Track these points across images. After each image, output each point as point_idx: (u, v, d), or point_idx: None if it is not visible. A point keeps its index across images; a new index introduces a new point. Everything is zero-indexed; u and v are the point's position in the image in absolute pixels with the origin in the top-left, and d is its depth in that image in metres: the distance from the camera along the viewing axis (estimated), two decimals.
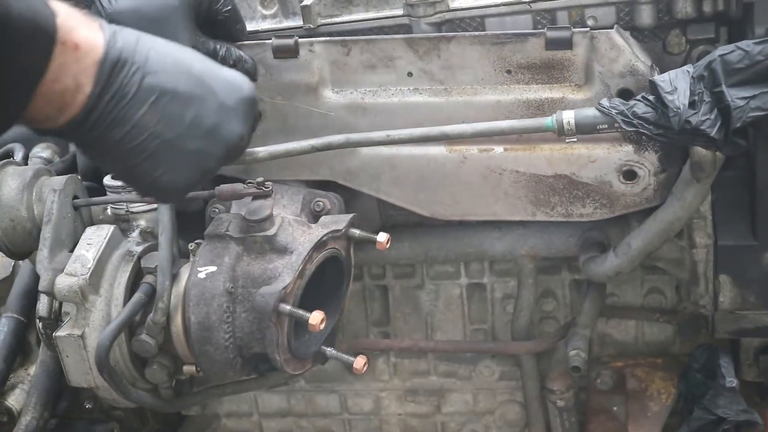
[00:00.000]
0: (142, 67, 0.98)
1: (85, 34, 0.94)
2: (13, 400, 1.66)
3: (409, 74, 1.44)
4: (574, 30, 1.36)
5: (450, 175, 1.48)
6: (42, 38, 0.88)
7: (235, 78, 1.12)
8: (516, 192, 1.47)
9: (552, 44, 1.37)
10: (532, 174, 1.45)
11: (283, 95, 1.48)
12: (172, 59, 1.03)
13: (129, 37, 0.99)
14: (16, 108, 0.89)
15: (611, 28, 1.37)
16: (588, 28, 1.37)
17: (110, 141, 0.99)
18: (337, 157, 1.49)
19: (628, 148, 1.40)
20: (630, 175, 1.42)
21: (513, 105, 1.42)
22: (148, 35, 1.03)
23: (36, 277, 1.68)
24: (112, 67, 0.96)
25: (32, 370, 1.69)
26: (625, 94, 1.37)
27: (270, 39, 1.46)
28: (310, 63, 1.46)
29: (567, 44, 1.36)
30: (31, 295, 1.68)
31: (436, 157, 1.47)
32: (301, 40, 1.45)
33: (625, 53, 1.35)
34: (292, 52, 1.45)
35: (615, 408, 1.70)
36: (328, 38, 1.46)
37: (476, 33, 1.42)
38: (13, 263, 1.75)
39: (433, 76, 1.44)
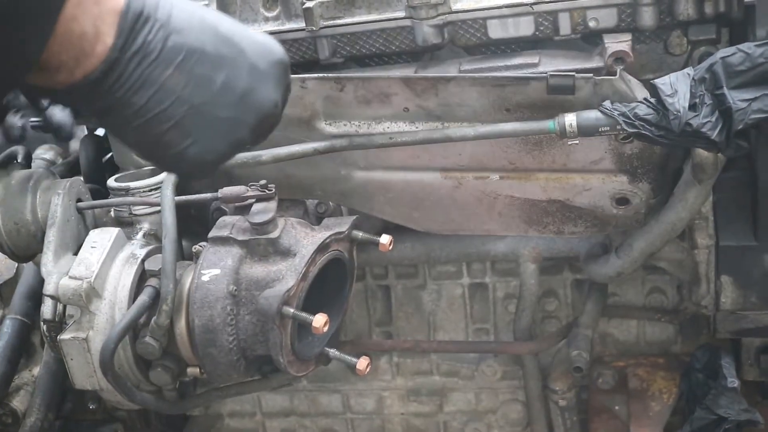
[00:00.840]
0: (165, 25, 0.90)
1: None
2: (18, 402, 1.67)
3: (406, 109, 1.41)
4: (576, 76, 1.31)
5: (445, 198, 1.48)
6: None
7: (267, 40, 1.01)
8: (510, 212, 1.48)
9: (554, 90, 1.33)
10: (526, 199, 1.47)
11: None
12: (197, 18, 0.94)
13: None
14: (37, 44, 0.81)
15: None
16: (590, 75, 1.31)
17: (132, 106, 0.89)
18: (329, 181, 1.49)
19: (623, 179, 1.40)
20: (623, 201, 1.43)
21: (511, 140, 1.40)
22: None
23: (39, 279, 1.69)
24: (134, 20, 0.87)
25: (36, 371, 1.70)
26: (624, 135, 1.34)
27: None
28: (302, 98, 1.42)
29: (569, 90, 1.32)
30: (35, 297, 1.69)
31: (432, 182, 1.47)
32: (293, 76, 1.42)
33: (628, 99, 1.30)
34: None
35: (617, 407, 1.71)
36: (321, 75, 1.42)
37: (476, 75, 1.38)
38: (16, 265, 1.76)
39: (431, 112, 1.40)
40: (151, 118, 0.91)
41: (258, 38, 0.99)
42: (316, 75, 1.42)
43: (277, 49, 1.00)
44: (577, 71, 1.31)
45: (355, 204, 1.52)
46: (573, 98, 1.33)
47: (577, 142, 1.34)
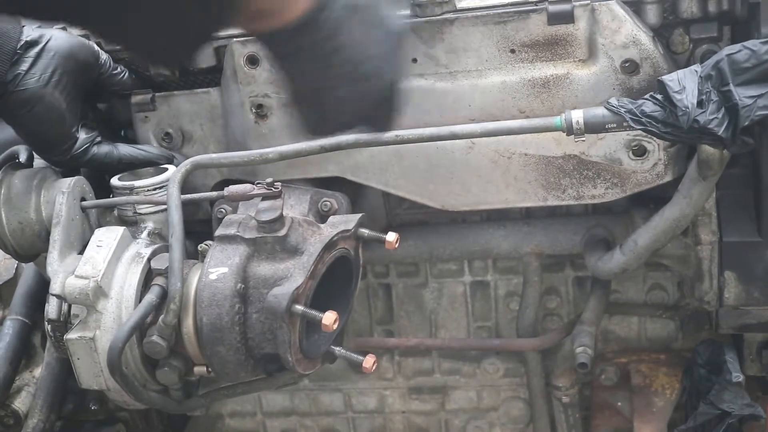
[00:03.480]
0: None
1: None
2: (20, 403, 1.66)
3: (414, 60, 1.44)
4: (575, 3, 1.36)
5: (459, 163, 1.47)
6: None
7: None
8: (526, 176, 1.47)
9: (554, 18, 1.37)
10: (541, 156, 1.45)
11: None
12: None
13: None
14: None
15: None
16: (588, 1, 1.37)
17: (320, 53, 0.97)
18: (345, 152, 1.48)
19: None
20: (640, 151, 1.42)
21: (518, 84, 1.42)
22: None
23: (39, 280, 1.68)
24: None
25: (37, 372, 1.69)
26: (629, 66, 1.38)
27: None
28: None
29: (569, 17, 1.37)
30: (35, 297, 1.68)
31: (444, 144, 1.46)
32: None
33: (627, 23, 1.36)
34: None
35: (620, 403, 1.72)
36: None
37: (478, 13, 1.41)
38: (16, 265, 1.74)
39: (438, 61, 1.44)
40: (323, 70, 0.99)
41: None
42: None
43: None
44: None
45: (370, 178, 1.52)
46: (574, 30, 1.37)
47: (584, 139, 1.35)
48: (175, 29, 0.84)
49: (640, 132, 1.39)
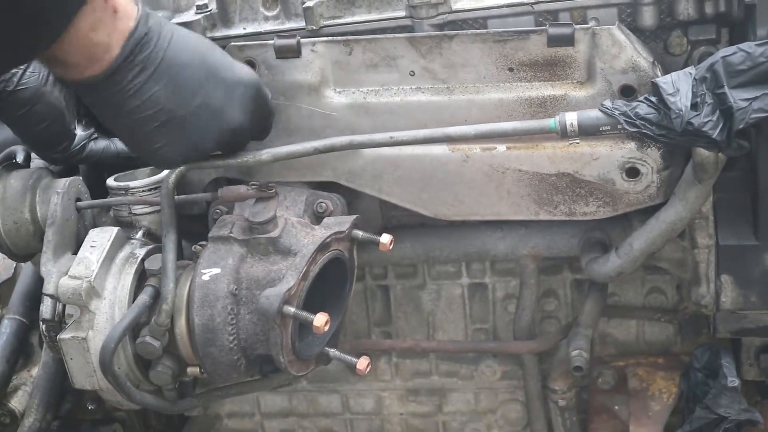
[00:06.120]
0: (164, 49, 1.13)
1: (124, 3, 1.08)
2: (16, 402, 1.67)
3: (412, 73, 1.44)
4: (575, 27, 1.36)
5: (453, 175, 1.48)
6: None
7: (245, 73, 1.27)
8: (519, 191, 1.47)
9: (554, 41, 1.37)
10: (534, 173, 1.45)
11: (285, 96, 1.48)
12: (192, 46, 1.18)
13: (157, 20, 1.14)
14: (53, 31, 0.99)
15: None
16: (589, 25, 1.37)
17: (124, 108, 1.13)
18: (340, 158, 1.49)
19: (631, 146, 1.40)
20: (633, 172, 1.42)
21: (515, 103, 1.42)
22: (174, 24, 1.19)
23: (37, 279, 1.69)
24: (138, 41, 1.10)
25: (35, 371, 1.70)
26: (627, 91, 1.37)
27: (272, 39, 1.46)
28: (313, 63, 1.46)
29: (569, 41, 1.36)
30: (33, 296, 1.69)
31: (439, 156, 1.47)
32: (303, 40, 1.45)
33: (627, 50, 1.35)
34: (294, 52, 1.46)
35: (617, 407, 1.71)
36: (330, 38, 1.46)
37: (478, 31, 1.42)
38: (14, 265, 1.75)
39: (436, 75, 1.44)
40: (137, 120, 1.15)
41: (237, 69, 1.26)
42: (325, 38, 1.45)
43: (253, 82, 1.28)
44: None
45: (364, 185, 1.52)
46: (574, 53, 1.37)
47: (578, 141, 1.35)
48: None
49: (634, 154, 1.39)
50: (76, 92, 1.19)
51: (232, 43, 1.48)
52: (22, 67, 1.40)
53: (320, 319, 1.26)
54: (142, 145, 1.20)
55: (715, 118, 1.21)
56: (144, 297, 1.35)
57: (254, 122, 1.30)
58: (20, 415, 1.65)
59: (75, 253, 1.41)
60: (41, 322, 1.41)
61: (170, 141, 1.19)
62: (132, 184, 1.48)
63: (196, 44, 1.20)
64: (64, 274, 1.35)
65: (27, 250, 1.51)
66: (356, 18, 1.49)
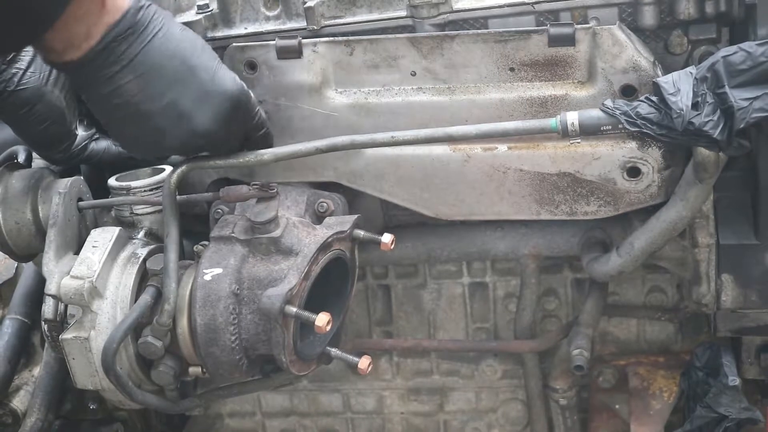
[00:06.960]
0: (144, 44, 1.14)
1: None
2: (18, 402, 1.67)
3: (413, 73, 1.45)
4: (576, 26, 1.36)
5: (454, 175, 1.48)
6: None
7: (227, 81, 1.24)
8: (520, 191, 1.47)
9: (555, 41, 1.37)
10: (536, 172, 1.45)
11: (287, 96, 1.49)
12: (175, 43, 1.18)
13: (149, 15, 1.15)
14: (46, 19, 1.04)
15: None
16: (590, 25, 1.37)
17: (97, 92, 1.17)
18: (342, 159, 1.49)
19: (632, 145, 1.40)
20: (634, 172, 1.42)
21: (516, 103, 1.42)
22: (171, 17, 1.20)
23: (39, 279, 1.69)
24: (120, 33, 1.12)
25: (36, 371, 1.70)
26: (628, 91, 1.37)
27: (273, 40, 1.46)
28: (314, 63, 1.46)
29: (570, 41, 1.37)
30: (35, 296, 1.69)
31: (440, 156, 1.47)
32: (304, 40, 1.46)
33: (628, 49, 1.36)
34: (295, 52, 1.46)
35: (617, 406, 1.71)
36: (331, 38, 1.46)
37: (479, 31, 1.43)
38: (16, 265, 1.75)
39: (437, 75, 1.44)
40: (108, 107, 1.18)
41: (219, 77, 1.23)
42: (326, 39, 1.46)
43: (234, 90, 1.25)
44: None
45: (366, 185, 1.52)
46: (575, 53, 1.37)
47: (579, 141, 1.35)
48: None
49: (635, 153, 1.40)
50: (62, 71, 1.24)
51: (234, 44, 1.48)
52: (23, 67, 1.40)
53: (322, 319, 1.26)
54: (111, 132, 1.27)
55: (715, 118, 1.21)
56: (146, 297, 1.35)
57: (231, 132, 1.29)
58: (22, 415, 1.65)
59: (77, 253, 1.41)
60: (43, 322, 1.41)
61: (133, 132, 1.21)
62: (134, 184, 1.48)
63: (181, 45, 1.19)
64: (66, 275, 1.35)
65: (29, 251, 1.51)
66: (357, 18, 1.49)
